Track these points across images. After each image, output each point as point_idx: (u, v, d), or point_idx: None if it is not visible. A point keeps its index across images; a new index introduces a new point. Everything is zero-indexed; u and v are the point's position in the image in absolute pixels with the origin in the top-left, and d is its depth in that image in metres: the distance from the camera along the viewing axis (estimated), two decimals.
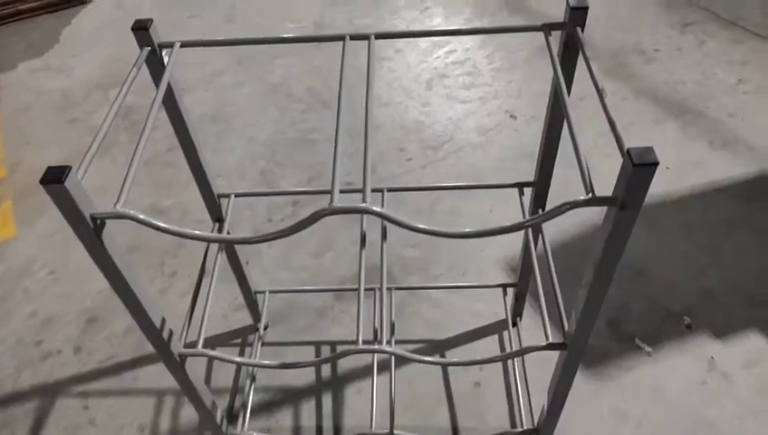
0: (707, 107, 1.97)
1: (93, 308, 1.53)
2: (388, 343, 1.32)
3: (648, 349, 1.37)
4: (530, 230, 1.05)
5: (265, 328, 1.44)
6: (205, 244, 1.10)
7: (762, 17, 2.33)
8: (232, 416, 1.30)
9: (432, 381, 1.34)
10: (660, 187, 1.72)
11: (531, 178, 1.09)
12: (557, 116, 0.97)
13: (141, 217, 0.68)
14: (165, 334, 0.86)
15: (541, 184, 1.10)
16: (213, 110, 2.10)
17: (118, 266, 0.72)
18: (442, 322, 1.45)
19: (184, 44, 0.88)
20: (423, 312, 1.47)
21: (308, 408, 1.31)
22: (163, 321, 0.86)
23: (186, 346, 0.92)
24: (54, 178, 0.62)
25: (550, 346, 0.89)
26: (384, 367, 1.32)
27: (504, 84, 2.13)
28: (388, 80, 2.19)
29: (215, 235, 0.71)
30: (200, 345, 0.92)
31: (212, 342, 1.42)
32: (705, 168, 1.77)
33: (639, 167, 0.60)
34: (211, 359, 1.37)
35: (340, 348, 1.41)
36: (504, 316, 1.42)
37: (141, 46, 0.86)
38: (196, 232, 0.75)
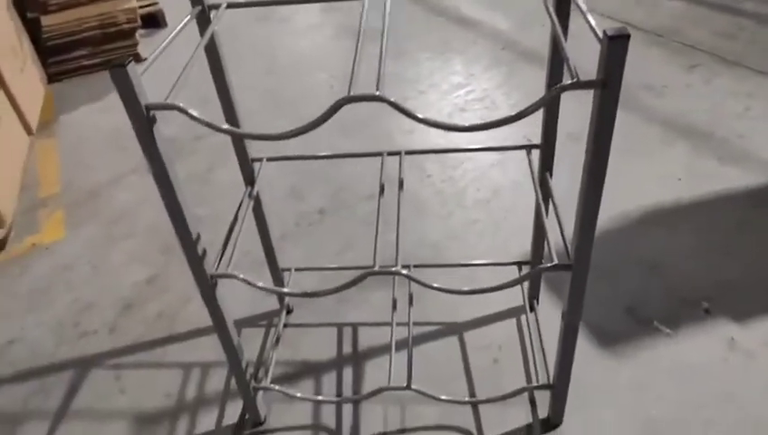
0: (716, 130, 2.06)
1: (129, 297, 1.62)
2: (405, 324, 1.37)
3: (668, 331, 1.38)
4: (539, 189, 1.13)
5: (289, 312, 1.50)
6: (238, 199, 1.20)
7: (763, 58, 2.45)
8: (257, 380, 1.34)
9: (451, 359, 1.37)
10: (672, 194, 1.78)
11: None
12: (556, 71, 1.08)
13: (190, 110, 0.80)
14: (199, 249, 0.95)
15: (546, 147, 1.19)
16: None
17: (163, 158, 0.83)
18: (458, 307, 1.48)
19: (230, 5, 1.03)
20: (440, 296, 1.51)
21: (328, 378, 1.34)
22: (198, 236, 0.95)
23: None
24: (119, 63, 0.75)
25: (556, 267, 0.95)
26: (401, 345, 1.36)
27: None
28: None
29: (248, 132, 0.82)
30: (229, 269, 1.00)
31: (240, 323, 1.48)
32: (714, 179, 1.83)
33: (614, 39, 0.70)
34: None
35: (360, 331, 1.46)
36: (520, 302, 1.45)
37: (194, 6, 1.02)
38: (236, 129, 0.86)
